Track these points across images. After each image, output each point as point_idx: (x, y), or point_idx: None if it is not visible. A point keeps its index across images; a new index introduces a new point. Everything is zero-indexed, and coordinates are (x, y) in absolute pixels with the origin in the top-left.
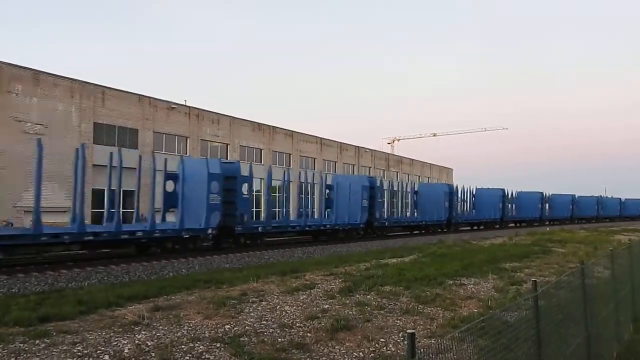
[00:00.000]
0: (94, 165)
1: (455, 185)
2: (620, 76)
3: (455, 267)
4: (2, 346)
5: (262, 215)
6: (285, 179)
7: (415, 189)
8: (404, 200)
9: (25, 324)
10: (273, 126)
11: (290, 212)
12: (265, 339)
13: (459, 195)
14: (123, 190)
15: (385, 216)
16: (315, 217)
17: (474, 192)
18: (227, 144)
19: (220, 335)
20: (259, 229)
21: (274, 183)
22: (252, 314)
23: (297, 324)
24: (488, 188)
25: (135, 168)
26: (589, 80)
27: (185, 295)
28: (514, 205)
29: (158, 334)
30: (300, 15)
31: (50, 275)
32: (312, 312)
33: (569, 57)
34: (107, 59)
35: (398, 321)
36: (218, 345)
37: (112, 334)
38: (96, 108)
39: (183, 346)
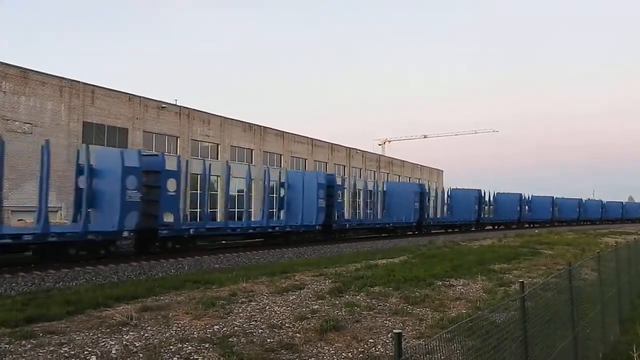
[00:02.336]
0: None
1: (427, 185)
2: (612, 79)
3: (444, 268)
4: None
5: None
6: (207, 173)
7: (384, 189)
8: (368, 200)
9: (11, 325)
10: (264, 126)
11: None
12: (255, 340)
13: (432, 195)
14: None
15: (346, 218)
16: (263, 218)
17: (448, 193)
18: (218, 144)
19: (209, 335)
20: (190, 231)
21: (237, 182)
22: (241, 314)
23: (287, 325)
24: (463, 189)
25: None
26: (580, 84)
27: (174, 295)
28: (491, 207)
29: (146, 335)
30: (293, 16)
31: (37, 275)
32: (301, 313)
33: (560, 61)
34: (97, 58)
35: (387, 322)
36: (207, 345)
37: (99, 335)
38: (86, 107)
39: (171, 347)
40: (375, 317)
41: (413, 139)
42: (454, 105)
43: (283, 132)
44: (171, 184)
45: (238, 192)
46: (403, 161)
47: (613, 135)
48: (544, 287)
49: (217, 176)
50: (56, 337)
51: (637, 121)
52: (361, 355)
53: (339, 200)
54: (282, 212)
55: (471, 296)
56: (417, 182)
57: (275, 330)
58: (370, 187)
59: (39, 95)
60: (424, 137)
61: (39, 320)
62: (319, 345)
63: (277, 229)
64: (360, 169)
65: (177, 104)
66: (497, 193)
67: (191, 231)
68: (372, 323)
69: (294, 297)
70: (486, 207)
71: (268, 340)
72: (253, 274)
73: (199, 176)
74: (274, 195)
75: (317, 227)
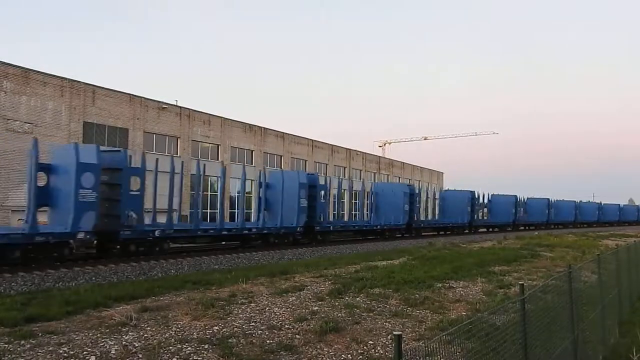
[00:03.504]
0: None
1: (417, 186)
2: (613, 79)
3: (444, 270)
4: None
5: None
6: (175, 170)
7: (373, 189)
8: (354, 201)
9: (10, 325)
10: (264, 127)
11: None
12: (254, 341)
13: (423, 196)
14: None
15: (331, 219)
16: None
17: (440, 194)
18: (218, 145)
19: (208, 336)
20: (156, 233)
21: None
22: (240, 315)
23: (286, 326)
24: (455, 190)
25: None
26: (580, 85)
27: (173, 296)
28: (485, 209)
29: (146, 335)
30: (293, 17)
31: (37, 275)
32: (301, 314)
33: (562, 62)
34: (98, 58)
35: (387, 323)
36: (206, 346)
37: (99, 335)
38: (86, 107)
39: (171, 347)
40: (375, 318)
41: (413, 141)
42: (455, 107)
43: (283, 133)
44: (134, 182)
45: (212, 193)
46: (403, 163)
47: (615, 136)
48: (543, 290)
49: (193, 174)
50: (55, 337)
51: (638, 122)
52: (361, 357)
53: (322, 201)
54: (262, 213)
55: (471, 298)
56: (418, 184)
57: (275, 331)
58: (357, 188)
59: (39, 95)
60: (424, 139)
61: (38, 320)
62: (318, 346)
63: (254, 230)
64: (361, 171)
65: (178, 104)
66: (491, 195)
67: (157, 233)
68: (371, 325)
69: (293, 298)
70: (480, 209)
71: (267, 341)
72: (252, 275)
73: (175, 175)
74: (254, 195)
75: (298, 229)
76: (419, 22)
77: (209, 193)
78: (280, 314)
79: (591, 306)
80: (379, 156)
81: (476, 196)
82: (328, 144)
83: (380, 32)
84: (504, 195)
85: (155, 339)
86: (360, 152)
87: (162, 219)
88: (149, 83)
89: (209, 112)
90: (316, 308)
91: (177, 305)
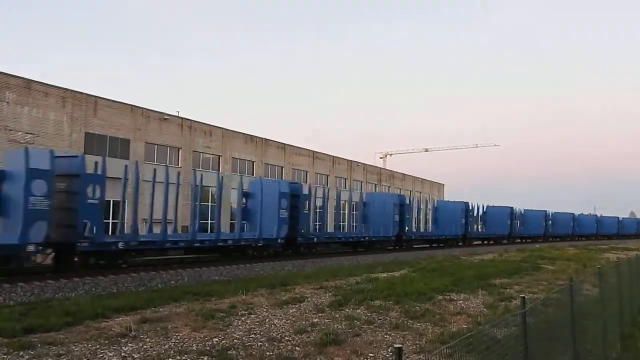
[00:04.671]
0: None
1: (408, 197)
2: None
3: (445, 283)
4: None
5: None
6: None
7: (363, 199)
8: (343, 212)
9: (9, 335)
10: (265, 138)
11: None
12: (254, 353)
13: (414, 207)
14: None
15: (314, 231)
16: (226, 230)
17: (435, 205)
18: (220, 156)
19: (208, 348)
20: (119, 245)
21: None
22: (240, 327)
23: (286, 338)
24: (449, 201)
25: None
26: (582, 92)
27: (173, 307)
28: (479, 221)
29: (145, 347)
30: (294, 27)
31: (36, 285)
32: (301, 326)
33: (561, 72)
34: (99, 69)
35: (387, 336)
36: (206, 358)
37: (98, 346)
38: (88, 118)
39: (170, 359)
40: (375, 331)
41: (414, 153)
42: (455, 119)
43: (284, 144)
44: (93, 191)
45: (212, 203)
46: (404, 174)
47: (616, 149)
48: (545, 303)
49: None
50: (54, 348)
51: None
52: None
53: (305, 211)
54: (238, 224)
55: (472, 311)
56: (410, 194)
57: (275, 343)
58: (345, 197)
59: (41, 105)
60: (425, 151)
61: (37, 331)
62: (318, 358)
63: (229, 242)
64: (362, 182)
65: (179, 115)
66: (486, 206)
67: (120, 245)
68: (372, 337)
69: (293, 310)
70: (474, 221)
71: (267, 353)
72: (252, 286)
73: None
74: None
75: (279, 241)
76: (418, 32)
77: (209, 204)
78: (280, 325)
79: (592, 320)
80: (380, 167)
81: (470, 207)
82: (329, 155)
83: (383, 43)
84: (499, 206)
85: (154, 351)
86: (362, 163)
87: (158, 229)
88: (150, 94)
89: (210, 123)
90: (316, 320)
91: (176, 317)
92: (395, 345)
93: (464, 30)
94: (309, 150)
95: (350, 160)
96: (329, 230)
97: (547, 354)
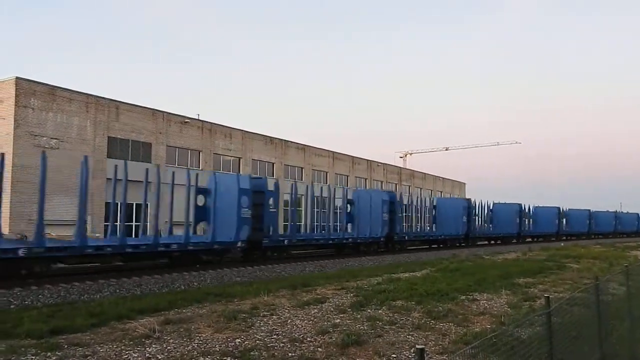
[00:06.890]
0: (107, 178)
1: (399, 195)
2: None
3: (467, 282)
4: (14, 358)
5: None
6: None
7: (347, 196)
8: (324, 211)
9: (37, 336)
10: (285, 140)
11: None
12: (276, 354)
13: (408, 206)
14: None
15: (284, 232)
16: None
17: (433, 203)
18: (240, 158)
19: (230, 349)
20: (285, 242)
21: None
22: (262, 328)
23: (308, 339)
24: (450, 198)
25: None
26: (603, 91)
27: (196, 308)
28: (485, 219)
29: (168, 348)
30: (313, 27)
31: (62, 287)
32: (323, 327)
33: (580, 74)
34: (121, 74)
35: (409, 337)
36: (228, 359)
37: (123, 347)
38: (110, 122)
39: None
40: (397, 331)
41: (435, 152)
42: (476, 117)
43: (304, 145)
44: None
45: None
46: (424, 174)
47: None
48: (570, 302)
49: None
50: (80, 349)
51: None
52: None
53: (271, 210)
54: (190, 227)
55: (495, 311)
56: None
57: (297, 344)
58: (324, 194)
59: (65, 111)
60: (446, 150)
61: (64, 332)
62: (340, 359)
63: (173, 247)
64: (382, 182)
65: (200, 118)
66: (493, 203)
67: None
68: (394, 338)
69: (315, 310)
70: (478, 220)
71: (289, 354)
72: (274, 287)
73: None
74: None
75: (238, 244)
76: (436, 33)
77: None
78: (302, 326)
79: (619, 319)
80: (400, 167)
81: (473, 205)
82: (349, 155)
83: (403, 42)
84: (506, 203)
85: (178, 352)
86: (381, 163)
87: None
88: (171, 98)
89: (230, 126)
90: (338, 321)
91: (199, 318)
92: (418, 346)
93: (479, 31)
94: (329, 150)
95: (370, 160)
96: (303, 232)
97: (572, 355)
